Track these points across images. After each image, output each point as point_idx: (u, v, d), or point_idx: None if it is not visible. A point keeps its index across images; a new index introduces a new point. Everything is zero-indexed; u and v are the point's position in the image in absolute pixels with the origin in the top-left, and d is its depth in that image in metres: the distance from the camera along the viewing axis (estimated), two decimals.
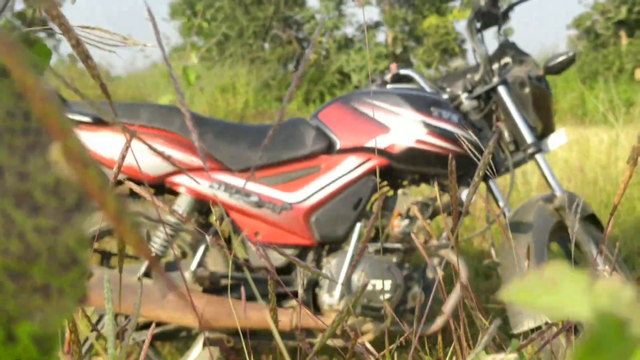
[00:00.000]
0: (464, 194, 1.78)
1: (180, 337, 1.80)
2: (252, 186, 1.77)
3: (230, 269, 1.18)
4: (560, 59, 1.88)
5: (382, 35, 20.07)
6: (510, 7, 1.94)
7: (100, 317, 1.76)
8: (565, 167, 3.97)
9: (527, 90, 1.89)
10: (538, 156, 1.89)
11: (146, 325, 1.74)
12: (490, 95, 1.93)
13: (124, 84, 13.45)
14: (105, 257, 1.99)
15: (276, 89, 19.25)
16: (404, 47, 19.52)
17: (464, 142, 1.79)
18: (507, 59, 2.00)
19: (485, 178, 1.98)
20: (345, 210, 1.79)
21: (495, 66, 2.01)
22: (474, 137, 1.78)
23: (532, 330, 1.72)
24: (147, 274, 1.73)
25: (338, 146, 1.82)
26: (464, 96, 1.92)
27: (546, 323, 1.68)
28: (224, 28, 19.17)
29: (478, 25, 1.91)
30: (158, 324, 1.72)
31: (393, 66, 2.09)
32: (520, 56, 1.99)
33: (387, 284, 1.72)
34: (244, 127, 1.87)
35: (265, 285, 1.79)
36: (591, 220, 2.00)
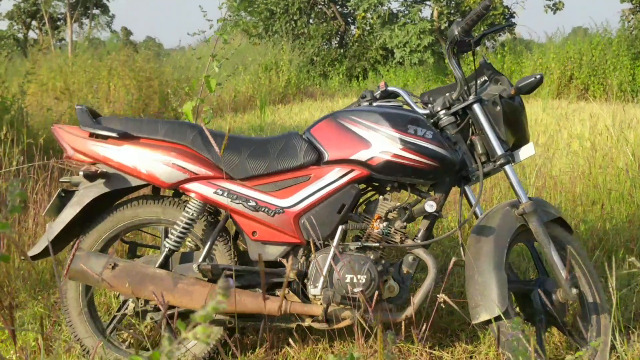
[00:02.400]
0: (428, 204, 2.05)
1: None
2: (250, 192, 2.07)
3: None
4: (529, 80, 2.09)
5: (427, 10, 19.92)
6: (481, 37, 2.15)
7: (124, 302, 2.12)
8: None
9: (498, 108, 2.11)
10: (507, 167, 2.12)
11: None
12: (466, 111, 2.16)
13: (171, 61, 13.86)
14: (132, 248, 2.34)
15: (320, 65, 19.45)
16: (449, 22, 19.32)
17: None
18: (484, 78, 2.22)
19: (461, 184, 2.23)
20: (330, 214, 2.08)
21: (480, 79, 2.24)
22: (445, 152, 2.03)
23: (488, 321, 1.99)
24: (162, 266, 2.07)
25: (326, 158, 2.10)
26: (442, 112, 2.16)
27: (502, 315, 1.95)
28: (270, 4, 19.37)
29: (455, 50, 2.14)
30: (171, 307, 2.06)
31: (382, 84, 2.33)
32: (495, 75, 2.21)
33: (363, 278, 2.00)
34: (246, 139, 2.16)
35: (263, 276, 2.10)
36: (559, 222, 2.23)
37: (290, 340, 2.19)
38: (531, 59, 14.41)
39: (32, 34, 30.25)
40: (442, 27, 18.98)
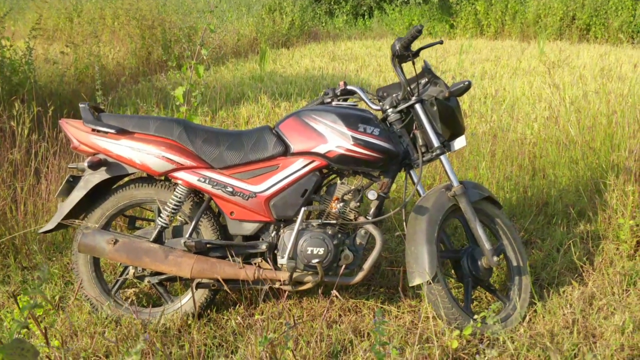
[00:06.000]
0: (370, 193, 2.47)
1: (182, 280, 2.61)
2: (228, 180, 2.49)
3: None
4: (460, 86, 2.49)
5: None
6: (418, 50, 2.53)
7: (125, 268, 2.59)
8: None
9: (435, 108, 2.50)
10: (442, 157, 2.54)
11: (156, 274, 2.56)
12: (409, 110, 2.56)
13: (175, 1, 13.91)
14: (132, 221, 2.80)
15: (326, 2, 19.38)
16: None
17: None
18: (425, 79, 2.61)
19: (408, 169, 2.65)
20: (295, 197, 2.50)
21: (422, 81, 2.63)
22: (390, 145, 2.43)
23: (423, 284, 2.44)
24: (156, 240, 2.52)
25: (292, 150, 2.51)
26: (390, 110, 2.56)
27: (431, 280, 2.40)
28: None
29: (398, 60, 2.52)
30: (163, 273, 2.53)
31: (341, 83, 2.71)
32: (434, 79, 2.59)
33: (321, 250, 2.45)
34: (224, 133, 2.56)
35: (239, 248, 2.56)
36: (489, 200, 2.66)
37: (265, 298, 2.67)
38: None
39: None
40: None
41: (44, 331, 1.50)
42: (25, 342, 0.88)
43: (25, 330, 2.02)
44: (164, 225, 2.54)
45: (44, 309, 2.37)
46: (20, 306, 1.51)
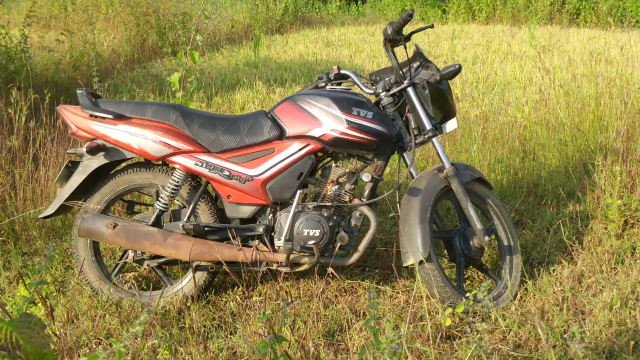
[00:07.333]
0: (364, 175, 2.47)
1: (180, 263, 2.62)
2: (224, 164, 2.50)
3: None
4: (450, 69, 2.50)
5: None
6: (410, 35, 2.53)
7: (125, 252, 2.60)
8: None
9: (426, 91, 2.51)
10: (434, 139, 2.55)
11: (155, 257, 2.57)
12: (402, 93, 2.56)
13: None
14: (130, 206, 2.81)
15: None
16: None
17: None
18: (417, 63, 2.62)
19: (401, 152, 2.66)
20: (291, 180, 2.51)
21: (414, 65, 2.63)
22: (383, 128, 2.44)
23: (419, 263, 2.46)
24: (155, 224, 2.53)
25: (287, 134, 2.51)
26: (383, 94, 2.57)
27: (424, 259, 2.42)
28: None
29: (390, 44, 2.53)
30: (162, 256, 2.54)
31: (335, 68, 2.71)
32: (426, 62, 2.60)
33: (317, 232, 2.46)
34: (220, 118, 2.57)
35: (236, 231, 2.57)
36: (480, 181, 2.68)
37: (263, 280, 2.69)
38: None
39: None
40: None
41: (49, 307, 1.51)
42: (33, 316, 0.89)
43: (31, 308, 2.04)
44: (162, 209, 2.55)
45: (46, 292, 2.39)
46: (25, 287, 1.53)
